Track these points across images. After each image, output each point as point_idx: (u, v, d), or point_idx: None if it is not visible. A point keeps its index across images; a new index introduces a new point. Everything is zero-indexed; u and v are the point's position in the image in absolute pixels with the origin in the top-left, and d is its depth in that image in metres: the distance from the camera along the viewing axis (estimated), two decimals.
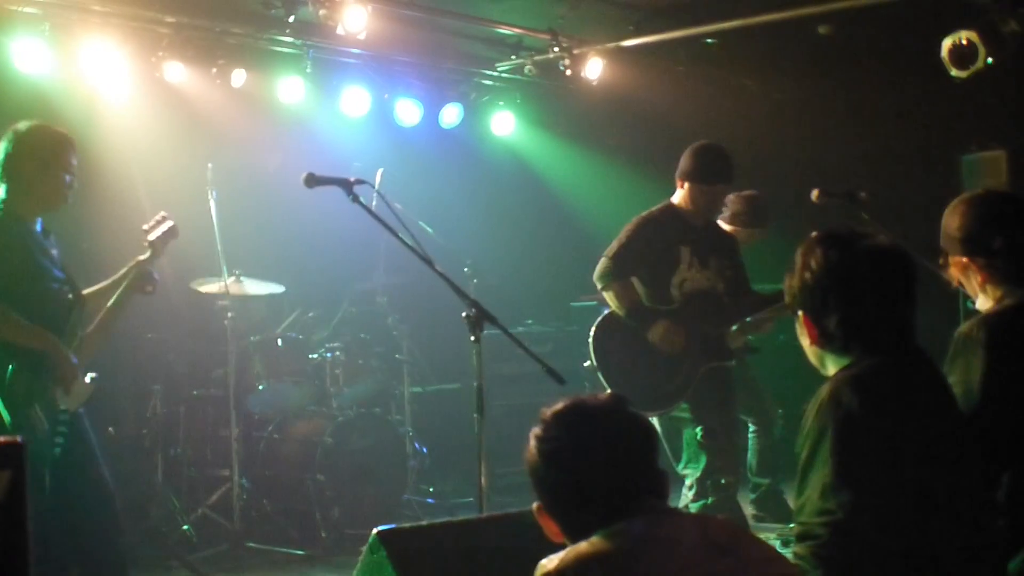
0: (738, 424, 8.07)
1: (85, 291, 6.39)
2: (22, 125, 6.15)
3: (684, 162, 7.68)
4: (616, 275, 7.54)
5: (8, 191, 6.02)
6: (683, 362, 7.50)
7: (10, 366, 5.79)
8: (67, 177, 6.12)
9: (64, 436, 5.91)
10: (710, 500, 7.60)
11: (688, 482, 7.83)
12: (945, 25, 8.75)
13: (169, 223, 6.64)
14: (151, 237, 6.55)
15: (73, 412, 6.03)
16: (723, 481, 7.66)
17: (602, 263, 7.59)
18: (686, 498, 7.78)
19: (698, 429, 7.63)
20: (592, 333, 7.65)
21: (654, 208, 7.74)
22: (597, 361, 7.58)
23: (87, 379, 6.15)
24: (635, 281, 7.64)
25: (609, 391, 2.96)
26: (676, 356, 7.48)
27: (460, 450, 9.55)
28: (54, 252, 6.21)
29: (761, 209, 8.78)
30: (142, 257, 6.50)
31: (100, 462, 6.35)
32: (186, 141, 9.43)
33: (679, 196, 7.69)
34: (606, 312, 7.71)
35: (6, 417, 5.75)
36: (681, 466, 8.01)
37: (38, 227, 6.14)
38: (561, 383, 5.53)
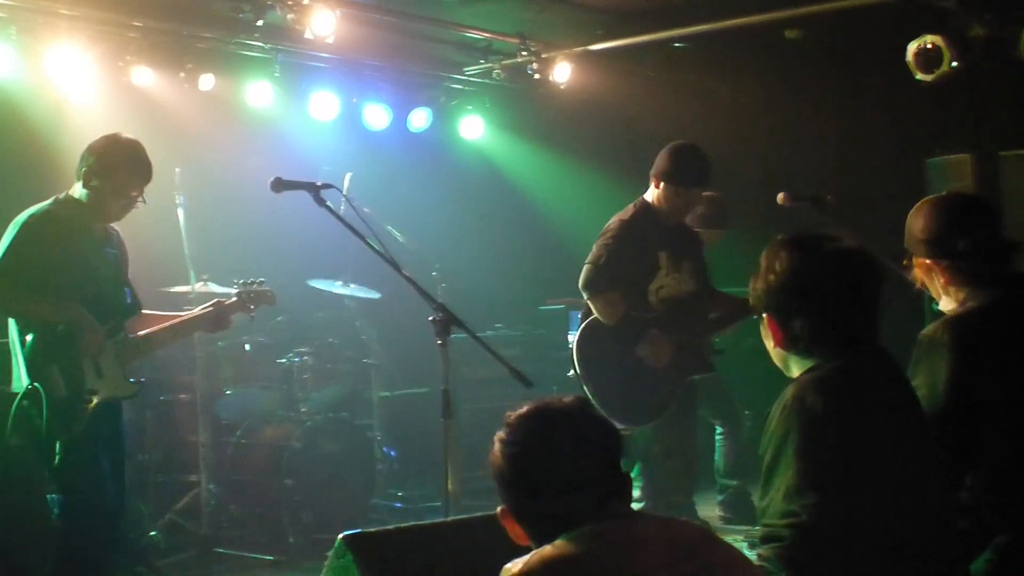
0: (695, 440, 8.02)
1: (148, 311, 6.69)
2: (120, 136, 6.44)
3: (662, 162, 7.56)
4: (604, 285, 7.45)
5: (82, 190, 6.25)
6: (666, 374, 7.45)
7: (32, 333, 5.95)
8: (128, 201, 6.38)
9: (87, 414, 6.00)
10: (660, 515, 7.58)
11: (637, 494, 7.79)
12: (911, 29, 8.79)
13: (268, 288, 7.02)
14: (244, 289, 6.90)
15: (107, 401, 6.13)
16: (672, 500, 7.66)
17: (588, 271, 7.45)
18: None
19: (656, 446, 7.62)
20: (576, 342, 7.53)
21: (632, 209, 7.61)
22: (581, 371, 7.46)
23: (130, 380, 6.29)
24: None
25: (571, 399, 2.95)
26: (660, 368, 7.42)
27: (429, 454, 9.53)
28: (111, 252, 6.42)
29: (724, 210, 8.79)
30: (226, 300, 6.83)
31: (123, 463, 6.46)
32: (154, 145, 9.30)
33: (653, 195, 7.58)
34: (589, 320, 7.56)
35: (26, 378, 5.90)
36: (633, 475, 7.96)
37: (98, 227, 6.37)
38: (528, 386, 5.56)
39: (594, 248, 7.55)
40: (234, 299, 6.83)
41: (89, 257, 6.25)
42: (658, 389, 7.44)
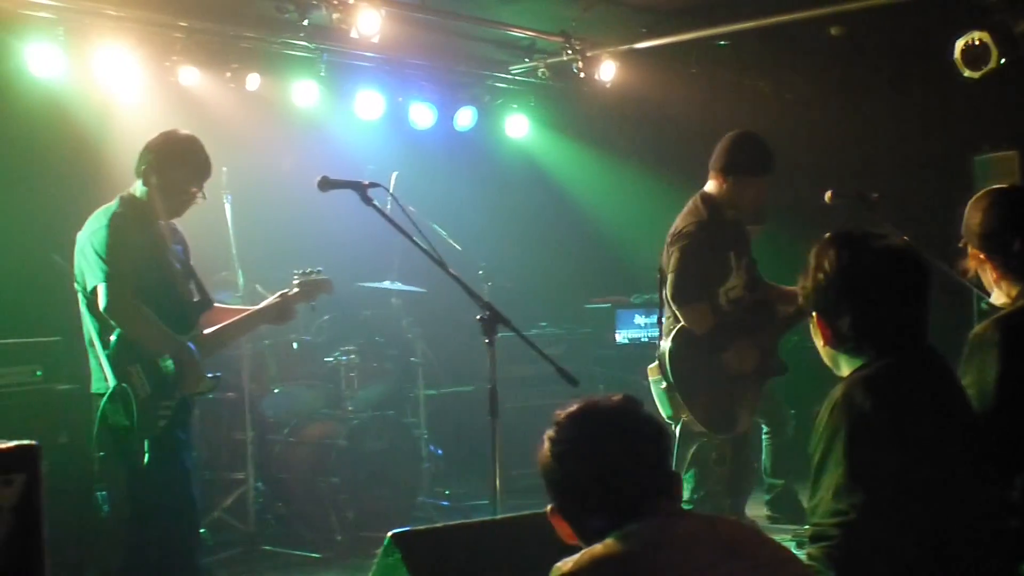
0: (749, 447, 7.95)
1: (219, 304, 6.76)
2: (178, 133, 6.46)
3: (728, 154, 7.39)
4: (693, 295, 7.24)
5: (142, 188, 6.30)
6: (750, 379, 7.36)
7: (115, 332, 5.96)
8: (187, 197, 6.40)
9: (172, 411, 6.06)
10: None
11: (685, 496, 7.68)
12: (956, 26, 8.75)
13: (326, 277, 7.02)
14: (303, 279, 6.90)
15: (185, 398, 6.19)
16: (718, 503, 7.60)
17: (675, 281, 7.23)
18: None
19: (712, 453, 7.55)
20: (668, 350, 7.29)
21: (704, 208, 7.39)
22: (674, 379, 7.24)
23: (208, 375, 6.31)
24: None
25: (619, 398, 2.92)
26: (746, 374, 7.33)
27: (474, 452, 9.53)
28: (178, 248, 6.48)
29: (764, 206, 8.68)
30: (288, 292, 6.84)
31: (193, 458, 6.50)
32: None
33: (718, 190, 7.41)
34: (679, 327, 7.33)
35: (112, 380, 5.93)
36: (686, 477, 7.83)
37: (161, 223, 6.36)
38: (574, 385, 5.53)
39: (676, 254, 7.30)
40: (296, 290, 6.86)
41: (161, 256, 6.28)
42: (744, 395, 7.35)
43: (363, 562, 7.70)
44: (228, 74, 9.75)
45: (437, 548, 4.12)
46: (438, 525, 4.46)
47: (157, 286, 6.18)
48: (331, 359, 9.58)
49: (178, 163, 6.33)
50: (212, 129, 9.60)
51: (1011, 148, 9.57)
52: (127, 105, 9.28)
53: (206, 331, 6.50)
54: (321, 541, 8.80)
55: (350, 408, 9.38)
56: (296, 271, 7.03)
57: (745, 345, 7.26)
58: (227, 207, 8.73)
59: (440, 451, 10.15)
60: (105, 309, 5.93)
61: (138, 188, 6.31)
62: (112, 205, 6.23)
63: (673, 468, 3.17)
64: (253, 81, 9.83)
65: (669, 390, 7.27)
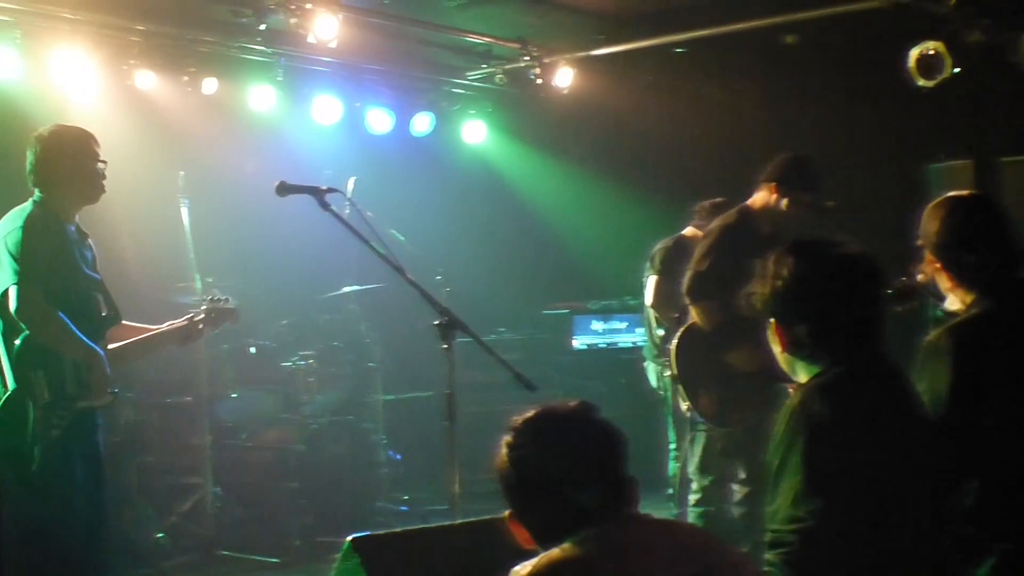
0: (759, 443, 7.97)
1: (126, 321, 6.57)
2: (42, 130, 6.30)
3: (789, 168, 7.39)
4: (704, 292, 7.32)
5: (46, 193, 6.15)
6: (758, 380, 7.40)
7: (20, 337, 5.86)
8: (98, 167, 6.26)
9: (66, 421, 5.91)
10: (712, 508, 7.54)
11: (695, 487, 7.70)
12: (911, 35, 8.81)
13: (233, 306, 7.03)
14: (211, 306, 6.90)
15: (84, 409, 6.05)
16: (733, 491, 7.60)
17: (690, 277, 7.36)
18: (691, 501, 7.68)
19: (718, 444, 7.56)
20: (675, 344, 7.46)
21: (733, 213, 7.49)
22: (679, 372, 7.41)
23: (108, 390, 6.17)
24: None
25: (576, 403, 2.95)
26: (751, 373, 7.38)
27: (432, 457, 9.54)
28: (88, 255, 6.35)
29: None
30: (196, 317, 6.79)
31: (103, 475, 6.37)
32: (157, 149, 9.40)
33: (764, 202, 7.39)
34: (689, 324, 7.43)
35: (11, 383, 5.84)
36: (692, 469, 7.82)
37: (72, 229, 6.24)
38: (532, 390, 5.57)
39: (696, 253, 7.46)
40: (202, 315, 6.84)
41: (74, 263, 6.16)
42: (748, 393, 7.40)
43: (321, 567, 7.69)
44: (185, 78, 9.71)
45: (396, 552, 4.14)
46: (397, 530, 4.47)
47: (68, 293, 6.05)
48: (289, 364, 9.57)
49: (55, 156, 6.18)
50: (168, 133, 9.62)
51: (965, 157, 9.63)
52: (83, 108, 9.19)
53: (110, 346, 6.32)
54: (279, 546, 8.79)
55: (308, 413, 9.38)
56: (206, 297, 7.06)
57: (749, 347, 7.32)
58: (184, 212, 8.69)
59: (398, 456, 10.15)
60: (16, 311, 5.81)
61: (40, 195, 6.14)
62: (27, 207, 6.08)
63: (629, 472, 3.17)
64: (210, 85, 9.80)
65: (674, 381, 7.42)
